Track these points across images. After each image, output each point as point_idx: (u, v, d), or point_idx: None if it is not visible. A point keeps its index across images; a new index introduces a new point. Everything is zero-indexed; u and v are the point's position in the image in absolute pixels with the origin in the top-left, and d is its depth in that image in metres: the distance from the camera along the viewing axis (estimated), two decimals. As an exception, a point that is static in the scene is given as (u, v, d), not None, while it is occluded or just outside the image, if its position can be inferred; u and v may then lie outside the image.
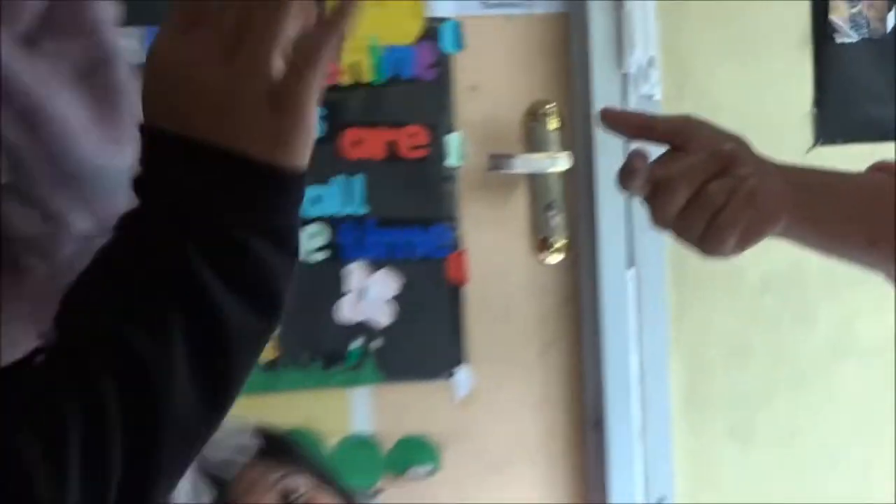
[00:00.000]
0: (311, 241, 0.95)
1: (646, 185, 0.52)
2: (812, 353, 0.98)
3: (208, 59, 0.29)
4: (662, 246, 0.96)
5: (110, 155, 0.39)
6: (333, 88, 0.92)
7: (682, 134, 0.53)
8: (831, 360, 1.00)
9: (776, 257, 0.98)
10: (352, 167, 0.94)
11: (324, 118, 0.94)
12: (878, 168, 0.59)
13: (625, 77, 0.95)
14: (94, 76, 0.41)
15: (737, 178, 0.51)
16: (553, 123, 0.97)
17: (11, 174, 0.36)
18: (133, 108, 0.39)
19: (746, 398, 0.98)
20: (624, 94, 0.94)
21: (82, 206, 0.38)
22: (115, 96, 0.41)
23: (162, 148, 0.29)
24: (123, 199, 0.36)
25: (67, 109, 0.38)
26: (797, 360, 0.98)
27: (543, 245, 0.98)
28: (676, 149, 0.51)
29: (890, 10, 1.04)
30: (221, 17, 0.29)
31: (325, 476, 0.80)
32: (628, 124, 0.55)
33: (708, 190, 0.52)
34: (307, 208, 0.95)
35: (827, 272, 0.97)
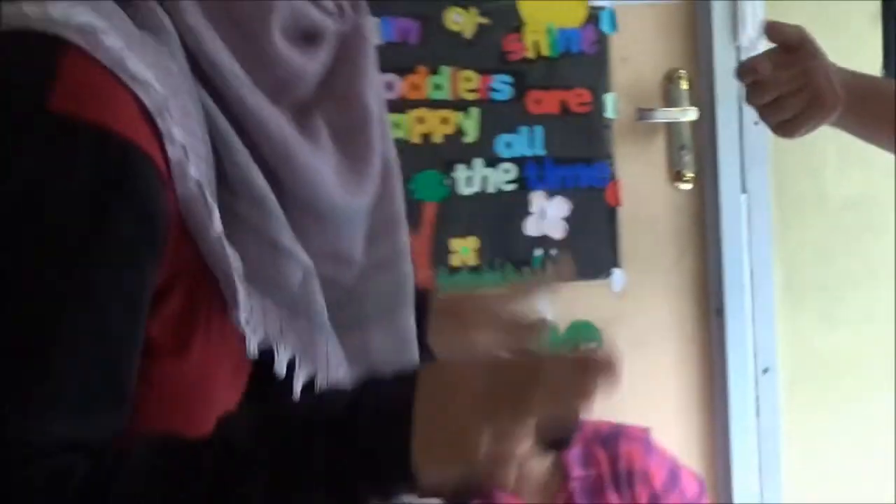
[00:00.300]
0: (505, 176, 1.25)
1: (749, 77, 0.76)
2: (881, 255, 1.27)
3: (474, 406, 0.30)
4: (768, 177, 1.27)
5: (350, 199, 0.42)
6: (521, 61, 1.23)
7: (791, 41, 0.72)
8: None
9: (854, 183, 1.28)
10: (534, 120, 1.23)
11: (512, 84, 1.24)
12: None
13: (738, 49, 1.24)
14: (351, 137, 0.43)
15: (810, 89, 0.70)
16: (684, 85, 1.24)
17: (256, 214, 0.37)
18: (377, 158, 0.43)
19: (831, 290, 1.28)
20: (738, 62, 1.24)
21: (319, 241, 0.40)
22: (366, 153, 0.43)
23: (368, 415, 0.31)
24: (354, 234, 0.42)
25: (321, 163, 0.40)
26: (870, 260, 1.28)
27: (677, 176, 1.26)
28: (785, 51, 0.72)
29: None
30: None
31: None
32: (772, 32, 0.74)
33: (787, 100, 0.71)
34: (503, 152, 1.24)
35: (891, 196, 1.27)
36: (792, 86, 0.72)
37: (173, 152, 0.34)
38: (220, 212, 0.36)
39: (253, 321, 0.37)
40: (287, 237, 0.38)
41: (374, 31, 0.50)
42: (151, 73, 0.34)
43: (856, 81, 0.77)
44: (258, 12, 0.38)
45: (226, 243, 0.36)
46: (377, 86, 0.46)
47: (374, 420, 0.31)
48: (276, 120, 0.38)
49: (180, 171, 0.34)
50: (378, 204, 0.44)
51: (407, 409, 0.30)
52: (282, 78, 0.40)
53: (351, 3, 0.45)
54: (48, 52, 0.33)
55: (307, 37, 0.41)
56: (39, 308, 0.32)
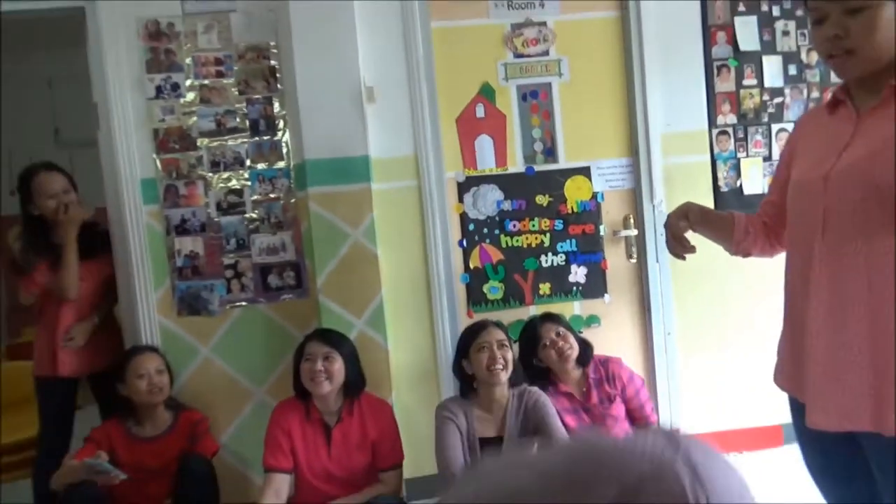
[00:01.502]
0: (560, 259, 3.10)
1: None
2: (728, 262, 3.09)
3: None
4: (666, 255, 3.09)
5: None
6: (567, 213, 3.07)
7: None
8: None
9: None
10: (572, 236, 3.09)
11: (564, 223, 3.10)
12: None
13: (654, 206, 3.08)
14: None
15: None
16: (631, 221, 3.09)
17: None
18: None
19: (705, 296, 3.11)
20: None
21: None
22: None
23: None
24: None
25: None
26: (718, 261, 3.09)
27: (629, 256, 3.11)
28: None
29: None
30: None
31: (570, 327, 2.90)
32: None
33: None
34: (559, 249, 3.09)
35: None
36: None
37: None
38: None
39: None
40: None
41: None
42: None
43: (701, 212, 1.60)
44: None
45: None
46: None
47: None
48: None
49: None
50: None
51: None
52: None
53: None
54: None
55: None
56: None
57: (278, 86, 2.88)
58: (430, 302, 2.94)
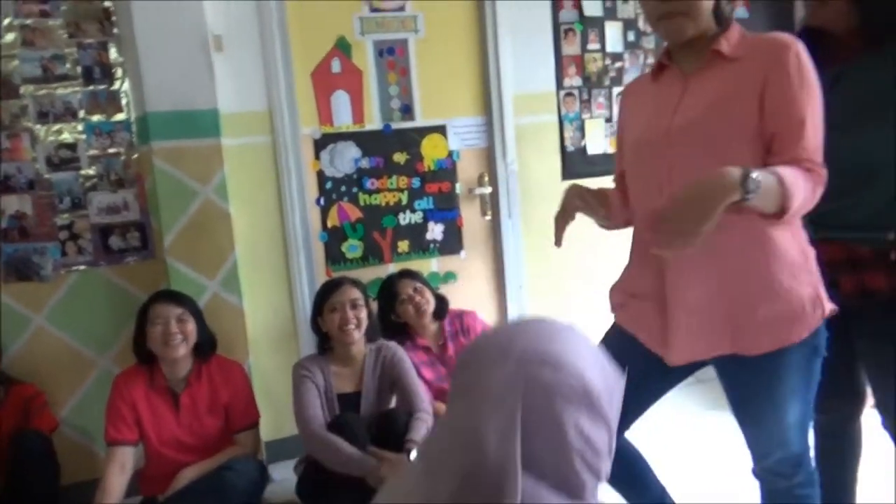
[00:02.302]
0: (418, 216, 3.15)
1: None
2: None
3: None
4: (521, 209, 3.23)
5: None
6: (424, 171, 3.10)
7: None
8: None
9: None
10: (429, 194, 3.14)
11: (421, 181, 3.12)
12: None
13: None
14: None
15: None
16: (486, 179, 3.20)
17: None
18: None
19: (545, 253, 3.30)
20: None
21: None
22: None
23: None
24: None
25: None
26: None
27: (484, 213, 3.22)
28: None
29: None
30: None
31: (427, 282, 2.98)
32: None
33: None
34: (417, 207, 3.13)
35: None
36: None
37: None
38: None
39: None
40: None
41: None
42: None
43: (597, 195, 1.58)
44: None
45: None
46: None
47: None
48: None
49: None
50: None
51: None
52: None
53: None
54: None
55: None
56: None
57: (114, 30, 2.65)
58: (288, 262, 2.89)
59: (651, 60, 3.32)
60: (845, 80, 1.57)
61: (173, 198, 2.61)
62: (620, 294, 1.64)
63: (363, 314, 2.45)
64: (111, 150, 2.68)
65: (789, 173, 1.24)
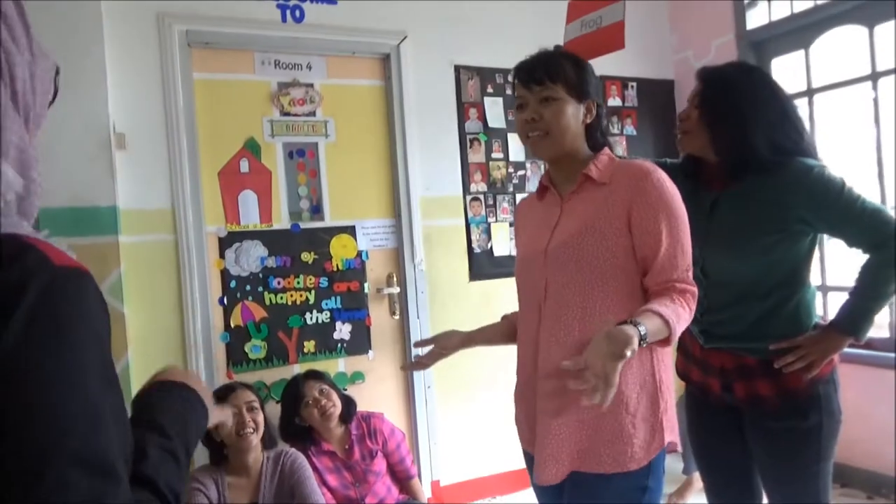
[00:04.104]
0: (325, 316, 3.10)
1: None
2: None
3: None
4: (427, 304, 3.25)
5: None
6: (332, 271, 3.09)
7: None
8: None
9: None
10: (337, 293, 3.11)
11: (329, 280, 3.11)
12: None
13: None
14: None
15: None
16: (394, 280, 3.22)
17: None
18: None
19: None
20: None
21: None
22: None
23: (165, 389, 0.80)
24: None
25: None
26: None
27: (392, 314, 3.22)
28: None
29: None
30: None
31: (333, 384, 2.90)
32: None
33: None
34: (325, 306, 3.08)
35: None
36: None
37: None
38: None
39: None
40: None
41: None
42: None
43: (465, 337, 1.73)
44: None
45: None
46: None
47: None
48: None
49: None
50: None
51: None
52: None
53: None
54: None
55: None
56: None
57: (9, 123, 2.55)
58: (186, 363, 2.75)
59: (550, 169, 3.52)
60: (719, 206, 1.71)
61: (62, 297, 2.45)
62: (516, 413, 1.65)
63: (260, 418, 2.34)
64: (-4, 246, 2.52)
65: (669, 310, 1.31)
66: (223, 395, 2.36)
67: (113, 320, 2.40)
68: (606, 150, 1.54)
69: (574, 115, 1.49)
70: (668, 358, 1.48)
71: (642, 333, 1.23)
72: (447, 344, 1.74)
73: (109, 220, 2.54)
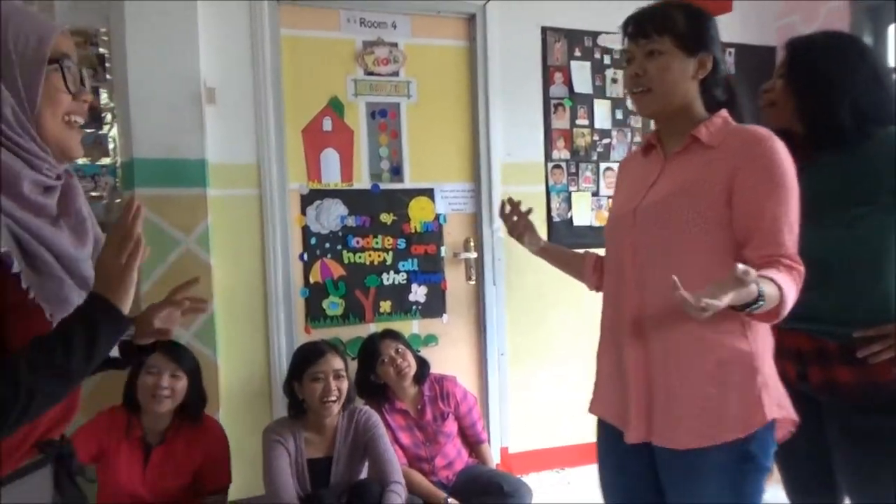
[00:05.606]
0: (402, 277, 3.11)
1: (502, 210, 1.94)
2: (554, 300, 3.27)
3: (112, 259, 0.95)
4: (505, 277, 3.21)
5: (80, 252, 1.02)
6: (410, 233, 3.08)
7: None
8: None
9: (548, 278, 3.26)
10: (413, 256, 3.11)
11: (406, 242, 3.10)
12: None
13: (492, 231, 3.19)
14: (78, 225, 1.04)
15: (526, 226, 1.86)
16: (472, 244, 3.19)
17: (50, 267, 0.97)
18: (90, 234, 1.07)
19: (531, 319, 3.26)
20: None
21: (72, 268, 1.00)
22: (84, 233, 1.05)
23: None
24: (84, 265, 1.05)
25: (65, 239, 1.00)
26: (549, 302, 3.26)
27: (468, 278, 3.20)
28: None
29: None
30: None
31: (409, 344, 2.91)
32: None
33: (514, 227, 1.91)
34: (401, 268, 3.08)
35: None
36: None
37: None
38: (33, 268, 0.93)
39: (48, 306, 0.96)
40: (60, 271, 0.97)
41: (79, 184, 1.08)
42: None
43: (545, 245, 1.80)
44: (11, 178, 0.94)
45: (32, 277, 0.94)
46: (85, 203, 1.07)
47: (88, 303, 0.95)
48: (43, 226, 0.96)
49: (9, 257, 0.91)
50: (93, 252, 1.04)
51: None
52: (37, 206, 0.97)
53: (66, 172, 1.06)
54: None
55: (45, 189, 1.01)
56: None
57: (107, 76, 2.65)
58: (267, 316, 2.83)
59: (638, 139, 3.39)
60: (805, 177, 1.59)
61: (153, 245, 2.53)
62: (596, 380, 1.61)
63: (345, 385, 2.38)
64: (94, 194, 2.64)
65: (785, 282, 1.23)
66: (311, 357, 2.38)
67: (200, 271, 2.47)
68: (724, 112, 1.45)
69: (682, 69, 1.40)
70: (764, 331, 1.40)
71: (762, 292, 1.16)
72: (535, 235, 1.86)
73: (198, 172, 2.61)
